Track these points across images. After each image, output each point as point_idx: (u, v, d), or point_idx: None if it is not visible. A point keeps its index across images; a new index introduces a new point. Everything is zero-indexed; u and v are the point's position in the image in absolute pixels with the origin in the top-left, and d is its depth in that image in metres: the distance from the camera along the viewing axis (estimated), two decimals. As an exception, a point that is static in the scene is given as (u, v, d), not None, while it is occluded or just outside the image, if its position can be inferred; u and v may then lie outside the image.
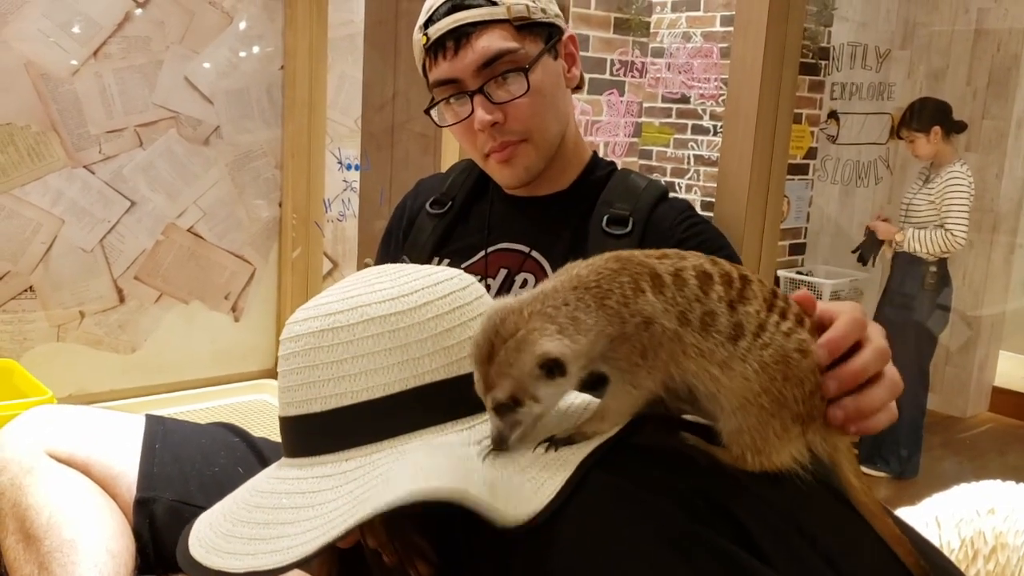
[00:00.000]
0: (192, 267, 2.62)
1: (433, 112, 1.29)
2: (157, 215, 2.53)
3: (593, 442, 0.74)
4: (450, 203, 1.39)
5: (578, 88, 1.36)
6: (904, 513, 1.29)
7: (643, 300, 0.74)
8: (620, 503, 0.69)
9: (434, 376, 0.76)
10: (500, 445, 0.73)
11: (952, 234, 3.80)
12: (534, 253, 1.29)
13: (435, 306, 0.78)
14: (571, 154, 1.33)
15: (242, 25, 2.59)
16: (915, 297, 3.97)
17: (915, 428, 4.10)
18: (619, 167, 1.36)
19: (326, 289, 0.83)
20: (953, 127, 3.95)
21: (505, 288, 1.28)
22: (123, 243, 2.49)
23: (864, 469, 4.01)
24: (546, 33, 1.25)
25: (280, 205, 2.75)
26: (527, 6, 1.22)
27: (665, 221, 1.26)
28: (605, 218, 1.25)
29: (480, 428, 0.76)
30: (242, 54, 2.61)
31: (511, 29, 1.21)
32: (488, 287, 1.29)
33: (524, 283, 1.28)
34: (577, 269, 0.77)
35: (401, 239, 1.44)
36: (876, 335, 0.80)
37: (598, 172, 1.35)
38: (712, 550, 0.67)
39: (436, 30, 1.21)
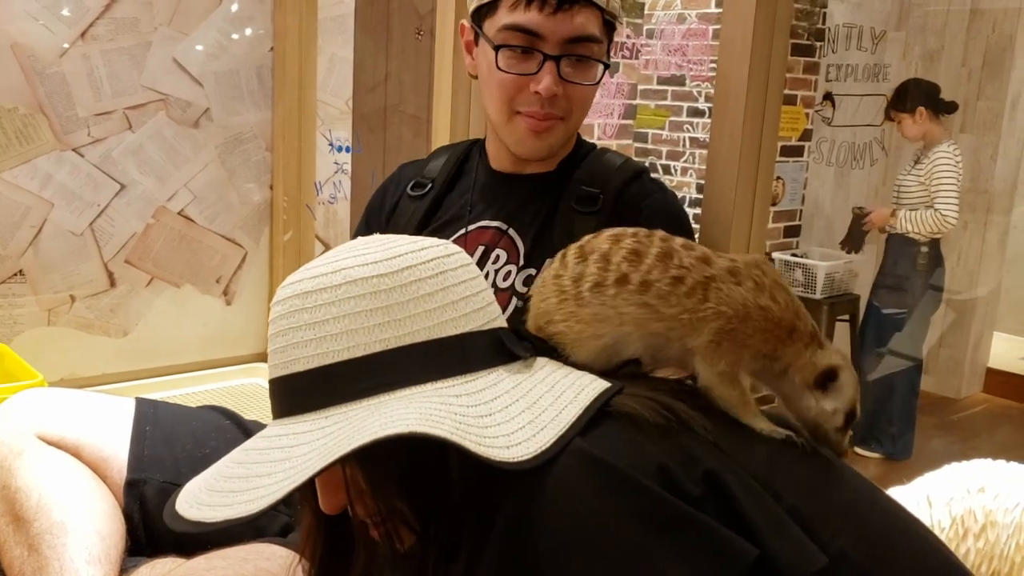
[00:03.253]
0: (183, 250, 2.61)
1: (488, 48, 1.25)
2: (147, 198, 2.52)
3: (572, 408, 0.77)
4: (430, 185, 1.42)
5: None
6: (896, 492, 1.29)
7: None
8: (598, 478, 0.71)
9: (414, 338, 0.78)
10: None
11: (942, 214, 3.80)
12: (510, 231, 1.33)
13: (418, 270, 0.80)
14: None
15: (232, 7, 2.57)
16: (908, 278, 3.97)
17: (908, 409, 4.11)
18: (599, 147, 1.39)
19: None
20: (941, 107, 3.93)
21: (481, 264, 1.31)
22: (113, 226, 2.48)
23: (857, 450, 4.05)
24: (608, 39, 1.29)
25: (271, 188, 2.74)
26: (617, 7, 1.27)
27: (633, 200, 1.30)
28: (576, 196, 1.29)
29: (458, 388, 0.78)
30: (232, 36, 2.59)
31: (601, 19, 1.25)
32: None
33: (497, 259, 1.31)
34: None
35: (384, 222, 1.45)
36: None
37: (579, 153, 1.38)
38: (692, 526, 0.68)
39: None
